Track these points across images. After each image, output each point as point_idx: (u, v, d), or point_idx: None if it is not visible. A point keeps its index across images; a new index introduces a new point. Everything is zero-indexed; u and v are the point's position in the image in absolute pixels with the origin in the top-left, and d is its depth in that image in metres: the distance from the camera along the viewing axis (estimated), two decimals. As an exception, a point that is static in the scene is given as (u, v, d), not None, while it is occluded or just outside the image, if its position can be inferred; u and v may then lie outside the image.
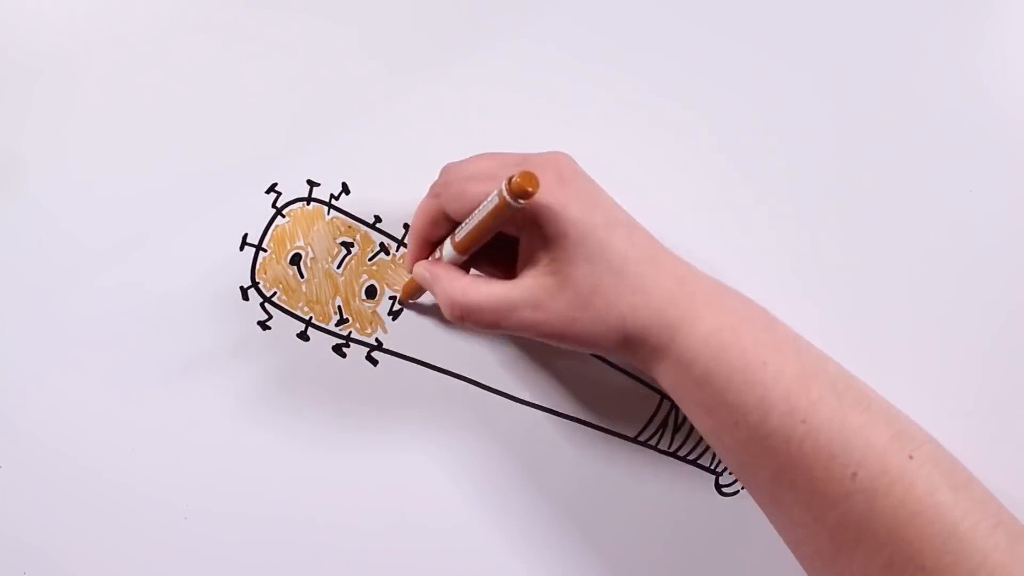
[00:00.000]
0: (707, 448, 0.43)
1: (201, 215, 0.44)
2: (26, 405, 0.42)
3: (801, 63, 0.46)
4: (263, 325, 0.43)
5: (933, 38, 0.47)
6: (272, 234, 0.44)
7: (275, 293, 0.43)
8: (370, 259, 0.44)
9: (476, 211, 0.35)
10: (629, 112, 0.45)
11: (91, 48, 0.45)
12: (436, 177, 0.38)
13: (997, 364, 0.44)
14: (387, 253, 0.44)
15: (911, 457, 0.31)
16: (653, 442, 0.43)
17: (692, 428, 0.44)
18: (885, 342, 0.44)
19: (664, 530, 0.43)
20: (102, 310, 0.43)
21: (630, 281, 0.34)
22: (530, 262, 0.35)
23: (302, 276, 0.43)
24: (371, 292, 0.44)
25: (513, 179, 0.31)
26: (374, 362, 0.43)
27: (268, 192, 0.44)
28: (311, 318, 0.43)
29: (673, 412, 0.44)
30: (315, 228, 0.44)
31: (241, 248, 0.43)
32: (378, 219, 0.44)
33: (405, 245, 0.44)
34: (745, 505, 0.43)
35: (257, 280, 0.43)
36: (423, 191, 0.44)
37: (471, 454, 0.43)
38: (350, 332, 0.43)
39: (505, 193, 0.32)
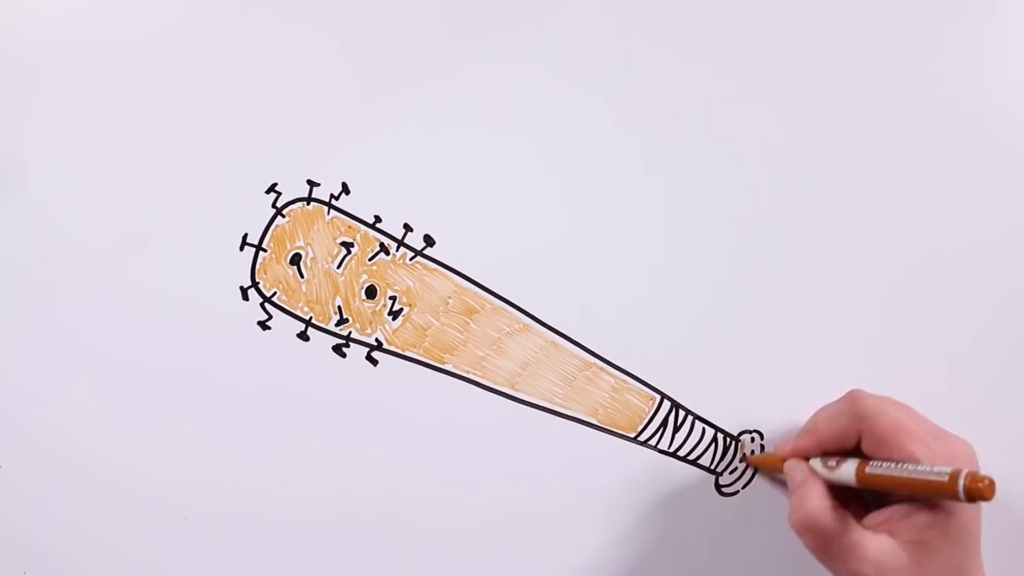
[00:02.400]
0: (707, 448, 0.43)
1: (201, 215, 0.44)
2: (26, 405, 0.42)
3: (802, 65, 0.46)
4: (263, 325, 0.43)
5: (934, 39, 0.46)
6: (272, 234, 0.44)
7: (275, 293, 0.43)
8: (370, 259, 0.44)
9: (908, 469, 0.35)
10: (631, 118, 0.45)
11: (91, 48, 0.45)
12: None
13: (997, 364, 0.44)
14: (387, 253, 0.44)
15: None
16: (653, 442, 0.43)
17: (692, 428, 0.44)
18: (884, 341, 0.44)
19: (664, 530, 0.43)
20: (102, 310, 0.43)
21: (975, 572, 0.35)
22: (897, 523, 0.35)
23: (302, 276, 0.43)
24: (371, 292, 0.44)
25: (977, 481, 0.32)
26: (374, 362, 0.43)
27: (268, 192, 0.44)
28: (311, 318, 0.43)
29: (673, 412, 0.44)
30: (315, 228, 0.44)
31: (241, 248, 0.43)
32: (378, 219, 0.44)
33: (405, 245, 0.44)
34: (745, 505, 0.43)
35: (257, 280, 0.43)
36: (423, 191, 0.44)
37: (471, 454, 0.43)
38: (350, 332, 0.43)
39: (961, 489, 0.32)
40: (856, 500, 0.38)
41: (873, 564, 0.35)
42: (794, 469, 0.39)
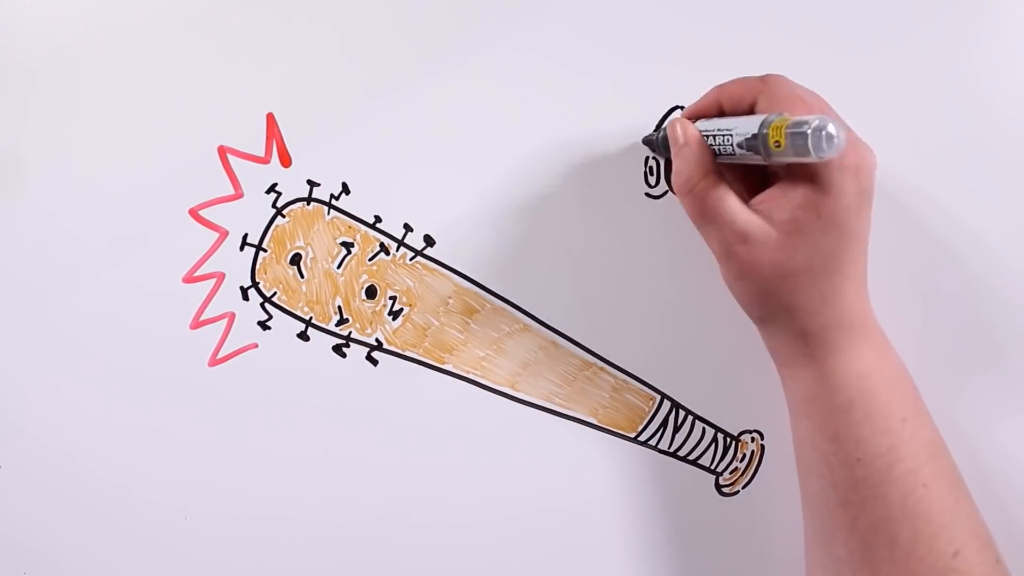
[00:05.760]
0: (707, 448, 0.43)
1: (201, 215, 0.44)
2: (26, 405, 0.42)
3: (800, 63, 0.46)
4: (263, 325, 0.43)
5: (932, 38, 0.46)
6: (272, 234, 0.44)
7: (275, 293, 0.43)
8: (370, 259, 0.44)
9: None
10: (635, 118, 0.45)
11: (91, 48, 0.45)
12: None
13: (997, 363, 0.44)
14: (387, 253, 0.44)
15: (998, 561, 0.34)
16: (653, 442, 0.43)
17: (692, 428, 0.44)
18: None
19: (664, 530, 0.43)
20: (102, 310, 0.43)
21: (851, 274, 0.35)
22: (773, 200, 0.35)
23: (302, 276, 0.43)
24: (371, 292, 0.44)
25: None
26: (374, 362, 0.43)
27: (268, 192, 0.44)
28: (311, 318, 0.43)
29: (673, 412, 0.44)
30: (315, 228, 0.44)
31: (241, 248, 0.43)
32: (378, 219, 0.44)
33: (405, 245, 0.44)
34: (745, 505, 0.43)
35: (257, 280, 0.43)
36: (423, 191, 0.44)
37: (471, 454, 0.43)
38: (350, 332, 0.43)
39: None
40: (748, 182, 0.38)
41: (740, 235, 0.35)
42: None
